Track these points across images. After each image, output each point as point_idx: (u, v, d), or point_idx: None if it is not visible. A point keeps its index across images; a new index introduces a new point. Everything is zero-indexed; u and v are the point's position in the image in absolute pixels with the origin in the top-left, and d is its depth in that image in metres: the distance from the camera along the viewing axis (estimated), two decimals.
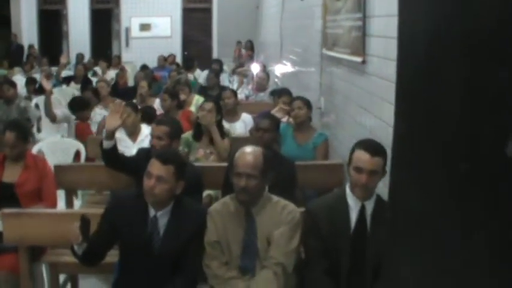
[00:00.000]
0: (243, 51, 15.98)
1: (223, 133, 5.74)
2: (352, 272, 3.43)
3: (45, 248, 4.55)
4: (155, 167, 3.43)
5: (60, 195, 5.17)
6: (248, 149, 3.59)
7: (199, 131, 5.71)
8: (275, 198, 3.60)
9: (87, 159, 6.45)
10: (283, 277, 3.43)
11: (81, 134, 7.11)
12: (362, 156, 3.37)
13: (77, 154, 6.66)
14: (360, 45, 5.02)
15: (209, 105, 5.71)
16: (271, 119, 4.98)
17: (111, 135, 4.64)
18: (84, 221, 3.39)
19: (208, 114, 5.62)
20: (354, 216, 3.45)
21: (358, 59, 5.03)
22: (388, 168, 3.34)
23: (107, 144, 4.65)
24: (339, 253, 3.43)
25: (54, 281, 4.59)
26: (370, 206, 3.45)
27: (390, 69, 4.05)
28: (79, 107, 7.19)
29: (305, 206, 3.76)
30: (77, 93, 10.37)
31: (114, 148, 4.71)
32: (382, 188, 3.58)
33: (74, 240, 3.43)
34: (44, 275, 4.73)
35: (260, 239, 3.50)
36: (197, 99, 8.09)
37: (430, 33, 1.14)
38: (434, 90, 1.12)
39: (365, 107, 4.95)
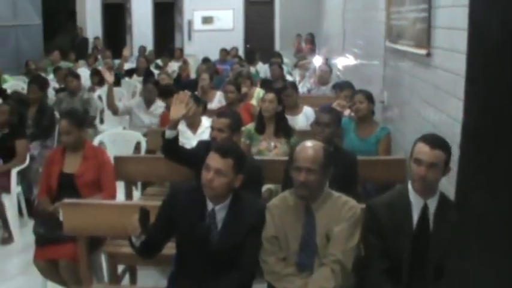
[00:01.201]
0: (303, 44, 15.87)
1: (285, 124, 5.71)
2: (413, 271, 3.34)
3: (105, 239, 4.61)
4: (214, 160, 3.40)
5: (120, 186, 5.21)
6: (308, 143, 3.52)
7: (262, 124, 5.69)
8: (335, 193, 3.52)
9: (148, 151, 6.50)
10: (342, 275, 3.35)
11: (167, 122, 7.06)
12: (422, 148, 3.29)
13: (138, 146, 6.73)
14: (424, 37, 4.90)
15: (270, 95, 5.70)
16: (332, 113, 4.90)
17: (174, 124, 4.65)
18: (143, 212, 3.39)
19: (270, 104, 5.61)
20: (416, 214, 3.36)
21: (423, 52, 4.91)
22: (455, 166, 3.23)
23: (169, 133, 4.66)
24: (399, 252, 3.34)
25: (112, 271, 4.66)
26: (433, 204, 3.34)
27: (457, 62, 3.93)
28: (164, 94, 7.19)
29: (366, 201, 3.68)
30: (139, 85, 10.49)
31: (176, 139, 4.71)
32: (447, 185, 3.47)
33: (133, 232, 3.43)
34: (103, 265, 4.80)
35: (319, 235, 3.43)
36: (258, 92, 8.06)
37: (506, 23, 1.06)
38: (509, 85, 1.04)
39: (429, 101, 4.83)
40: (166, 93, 7.08)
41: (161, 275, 5.12)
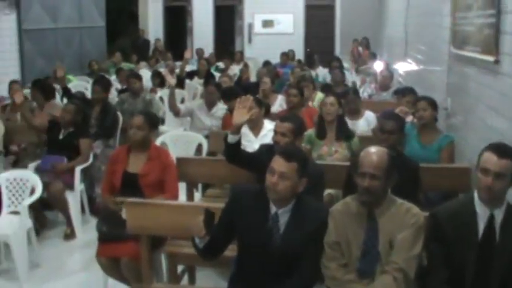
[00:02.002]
0: (360, 49, 15.75)
1: (346, 128, 5.68)
2: (477, 282, 3.28)
3: (165, 238, 4.66)
4: (279, 164, 3.40)
5: (181, 187, 5.26)
6: (373, 148, 3.48)
7: (323, 129, 5.67)
8: (399, 200, 3.48)
9: (209, 153, 6.55)
10: (404, 283, 3.29)
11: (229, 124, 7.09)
12: (489, 158, 3.22)
13: (199, 147, 6.79)
14: (492, 44, 4.80)
15: (331, 99, 5.69)
16: (397, 120, 4.84)
17: (237, 129, 4.65)
18: (208, 214, 3.42)
19: (331, 108, 5.59)
20: (481, 224, 3.30)
21: (491, 58, 4.81)
22: None
23: (231, 138, 4.67)
24: (463, 262, 3.29)
25: (172, 270, 4.71)
26: (499, 214, 3.28)
27: None
28: (228, 97, 7.25)
29: (427, 209, 3.62)
30: (200, 88, 10.58)
31: (238, 143, 4.72)
32: None
33: (197, 233, 3.47)
34: (163, 264, 4.85)
35: (381, 242, 3.38)
36: (319, 96, 8.02)
37: None
38: None
39: (497, 109, 4.73)
40: (229, 95, 7.11)
41: (219, 276, 5.16)
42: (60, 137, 6.62)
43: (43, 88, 8.09)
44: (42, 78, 9.35)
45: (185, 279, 4.96)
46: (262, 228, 3.45)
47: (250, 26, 18.63)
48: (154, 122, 5.15)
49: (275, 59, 13.81)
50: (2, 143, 7.07)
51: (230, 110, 6.96)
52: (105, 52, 15.90)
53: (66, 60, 13.67)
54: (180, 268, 4.86)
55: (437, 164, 5.35)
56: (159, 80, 10.89)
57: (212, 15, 18.87)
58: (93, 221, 6.51)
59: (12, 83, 8.86)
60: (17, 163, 7.25)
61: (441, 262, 3.33)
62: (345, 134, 5.65)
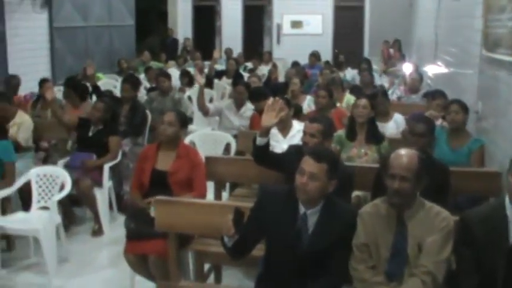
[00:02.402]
0: (391, 50, 15.65)
1: (376, 131, 5.67)
2: (507, 287, 3.23)
3: (193, 237, 4.68)
4: (308, 164, 3.40)
5: (209, 186, 5.27)
6: (403, 151, 3.47)
7: (353, 130, 5.66)
8: (428, 203, 3.46)
9: (237, 152, 6.57)
10: (433, 287, 3.28)
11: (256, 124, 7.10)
12: None
13: (227, 147, 6.81)
14: None
15: (363, 101, 5.68)
16: (427, 123, 4.80)
17: (265, 132, 4.65)
18: (238, 213, 3.43)
19: (363, 110, 5.59)
20: None
21: None
22: None
23: (260, 140, 4.66)
24: (493, 267, 3.25)
25: (199, 269, 4.74)
26: None
27: None
28: (256, 97, 7.26)
29: (457, 213, 3.59)
30: (229, 87, 10.61)
31: (267, 145, 4.72)
32: None
33: (226, 232, 3.48)
34: (190, 262, 4.87)
35: (410, 245, 3.37)
36: (348, 98, 8.00)
37: None
38: None
39: None
40: (257, 96, 7.11)
41: (245, 275, 5.19)
42: (90, 134, 6.69)
43: (77, 88, 8.17)
44: (74, 78, 9.45)
45: (211, 278, 4.98)
46: (290, 229, 3.45)
47: (279, 26, 18.61)
48: (184, 120, 5.18)
49: (303, 60, 13.78)
50: (32, 139, 7.14)
51: (258, 111, 6.98)
52: (134, 51, 16.01)
53: (95, 58, 13.79)
54: (206, 267, 4.88)
55: (467, 168, 5.30)
56: (187, 79, 10.94)
57: (241, 15, 18.89)
58: (120, 218, 6.57)
59: (43, 80, 8.95)
60: (47, 159, 7.34)
61: (471, 267, 3.30)
62: (375, 137, 5.63)
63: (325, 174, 3.40)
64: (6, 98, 7.20)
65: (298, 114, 6.58)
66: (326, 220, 3.44)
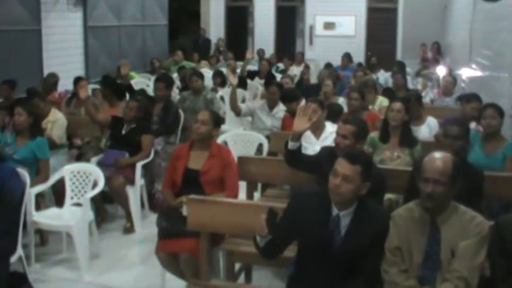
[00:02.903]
0: (429, 53, 15.51)
1: (410, 135, 5.63)
2: None
3: (224, 236, 4.69)
4: (342, 166, 3.40)
5: (241, 186, 5.28)
6: (437, 154, 3.44)
7: (387, 133, 5.64)
8: (462, 208, 3.42)
9: (269, 153, 6.57)
10: None
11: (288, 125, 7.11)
12: None
13: (260, 147, 6.81)
14: None
15: (398, 105, 5.65)
16: (461, 126, 4.77)
17: (297, 137, 4.65)
18: (272, 214, 3.44)
19: (398, 114, 5.56)
20: None
21: None
22: None
23: (292, 145, 4.68)
24: None
25: (229, 268, 4.75)
26: None
27: None
28: (289, 99, 7.27)
29: (491, 219, 3.55)
30: (261, 88, 10.62)
31: (299, 149, 4.72)
32: None
33: (260, 232, 3.49)
34: (221, 261, 4.88)
35: (443, 250, 3.34)
36: (381, 100, 7.96)
37: None
38: None
39: None
40: (290, 97, 7.12)
41: (275, 276, 5.19)
42: (123, 132, 6.75)
43: (114, 87, 8.26)
44: (111, 77, 9.55)
45: (242, 278, 5.00)
46: (323, 230, 3.44)
47: (312, 27, 18.57)
48: (218, 119, 5.19)
49: (335, 62, 13.74)
50: (65, 136, 7.23)
51: (290, 112, 6.98)
52: (167, 50, 16.12)
53: (128, 57, 13.95)
54: (237, 266, 4.89)
55: (501, 173, 5.24)
56: (220, 79, 10.98)
57: (274, 16, 18.89)
58: (152, 216, 6.63)
59: (78, 79, 9.05)
60: (80, 156, 7.41)
61: (506, 274, 3.26)
62: (408, 140, 5.60)
63: (358, 176, 3.39)
64: (40, 96, 7.31)
65: (339, 114, 6.55)
66: (359, 222, 3.43)
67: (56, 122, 7.05)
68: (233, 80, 7.67)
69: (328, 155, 4.60)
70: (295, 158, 4.79)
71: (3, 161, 4.89)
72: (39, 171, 5.85)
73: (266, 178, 5.67)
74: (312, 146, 5.62)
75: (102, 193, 6.00)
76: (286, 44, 18.49)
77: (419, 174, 3.44)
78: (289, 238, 3.64)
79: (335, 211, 3.45)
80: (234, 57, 15.07)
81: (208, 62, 14.94)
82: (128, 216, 6.50)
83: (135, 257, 6.02)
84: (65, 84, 10.32)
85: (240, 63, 13.35)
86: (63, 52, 11.86)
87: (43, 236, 6.05)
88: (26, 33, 10.83)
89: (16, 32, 10.51)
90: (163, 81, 8.07)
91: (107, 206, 6.75)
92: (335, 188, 3.37)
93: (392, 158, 5.53)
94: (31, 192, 5.34)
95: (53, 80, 9.53)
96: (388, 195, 4.94)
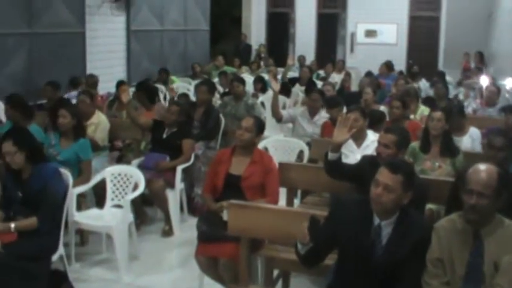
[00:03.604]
0: (472, 63, 15.33)
1: (451, 144, 5.57)
2: None
3: (263, 242, 4.69)
4: (383, 175, 3.37)
5: (281, 192, 5.26)
6: (482, 166, 3.37)
7: (428, 142, 5.58)
8: (508, 221, 3.35)
9: (310, 160, 6.56)
10: None
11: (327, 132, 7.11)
12: None
13: (300, 154, 6.80)
14: None
15: (438, 114, 5.59)
16: (505, 137, 4.70)
17: (337, 148, 4.64)
18: (314, 221, 3.44)
19: (438, 123, 5.50)
20: None
21: None
22: None
23: (332, 156, 4.67)
24: None
25: (268, 274, 4.75)
26: None
27: None
28: (330, 105, 7.26)
29: None
30: (301, 95, 10.61)
31: (339, 159, 4.71)
32: None
33: (301, 240, 3.49)
34: (259, 267, 4.88)
35: (487, 263, 3.27)
36: (422, 109, 7.89)
37: None
38: None
39: None
40: (332, 104, 7.11)
41: (313, 283, 5.19)
42: (164, 136, 6.80)
43: (147, 91, 8.34)
44: (145, 82, 9.65)
45: (279, 284, 4.99)
46: (364, 239, 3.42)
47: (353, 35, 18.51)
48: (262, 126, 5.20)
49: (376, 69, 13.68)
50: (108, 138, 7.31)
51: (331, 119, 6.95)
52: (208, 55, 16.22)
53: (170, 61, 14.09)
54: (275, 273, 4.88)
55: None
56: (261, 85, 11.00)
57: (315, 23, 18.88)
58: (190, 220, 6.66)
59: (120, 82, 9.18)
60: (121, 159, 7.50)
61: None
62: (450, 150, 5.53)
63: (400, 186, 3.36)
64: (88, 94, 7.43)
65: (381, 122, 6.51)
66: (400, 232, 3.40)
67: (99, 124, 7.14)
68: (275, 86, 7.66)
69: (369, 164, 4.57)
70: (335, 168, 4.77)
71: (47, 162, 5.00)
72: (82, 172, 5.93)
73: (306, 185, 5.65)
74: (353, 154, 5.59)
75: (141, 196, 6.03)
76: (327, 51, 18.43)
77: (462, 185, 3.38)
78: (330, 246, 3.62)
79: (376, 220, 3.43)
80: (275, 63, 15.09)
81: (249, 68, 15.00)
82: (167, 219, 6.54)
83: (174, 260, 6.07)
84: (107, 87, 10.49)
85: (280, 70, 13.35)
86: (106, 55, 12.04)
87: (83, 236, 6.13)
88: (71, 36, 11.03)
89: (61, 34, 10.71)
90: (206, 85, 8.13)
91: (146, 209, 6.80)
92: (376, 197, 3.35)
93: (433, 168, 5.47)
94: (73, 193, 5.40)
95: (91, 80, 9.67)
96: (429, 206, 4.89)
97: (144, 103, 8.16)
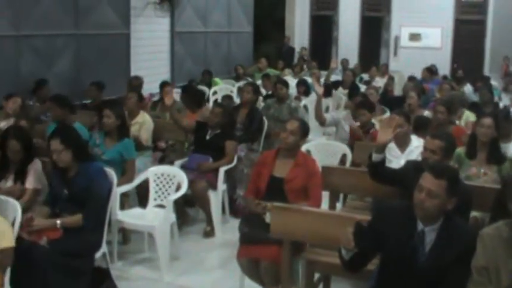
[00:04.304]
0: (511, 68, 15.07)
1: (498, 152, 5.48)
2: None
3: (304, 245, 4.68)
4: (427, 181, 3.34)
5: (323, 196, 5.25)
6: None
7: (474, 149, 5.50)
8: None
9: (353, 163, 6.53)
10: None
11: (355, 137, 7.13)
12: None
13: (343, 158, 6.77)
14: None
15: (488, 121, 5.50)
16: None
17: (381, 148, 4.63)
18: (359, 227, 3.42)
19: (488, 130, 5.42)
20: None
21: None
22: None
23: (376, 157, 4.65)
24: None
25: (309, 278, 4.72)
26: None
27: None
28: (364, 107, 7.24)
29: None
30: (344, 98, 10.56)
31: (383, 162, 4.68)
32: None
33: (346, 245, 3.47)
34: (299, 271, 4.87)
35: None
36: (467, 115, 7.79)
37: None
38: None
39: None
40: (365, 107, 7.10)
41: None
42: (207, 137, 6.83)
43: (195, 95, 8.43)
44: (192, 85, 9.75)
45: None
46: (407, 245, 3.39)
47: (397, 38, 18.35)
48: (306, 129, 5.20)
49: (420, 74, 13.54)
50: (151, 138, 7.39)
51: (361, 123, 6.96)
52: (251, 57, 16.26)
53: (213, 63, 14.17)
54: (315, 276, 4.87)
55: None
56: (304, 88, 10.97)
57: (358, 26, 18.76)
58: (232, 222, 6.70)
59: (164, 84, 9.26)
60: (163, 159, 7.56)
61: None
62: (496, 157, 5.44)
63: (444, 191, 3.32)
64: (137, 93, 7.57)
65: (425, 127, 6.43)
66: (444, 238, 3.36)
67: (143, 123, 7.23)
68: (319, 89, 7.64)
69: (414, 169, 4.52)
70: (379, 170, 4.74)
71: (93, 160, 5.08)
72: (125, 172, 6.00)
73: (349, 189, 5.62)
74: (397, 159, 5.53)
75: (183, 196, 6.05)
76: (370, 55, 18.31)
77: (509, 193, 3.34)
78: (374, 252, 3.60)
79: (420, 226, 3.39)
80: (318, 66, 15.05)
81: (291, 71, 14.99)
82: (209, 220, 6.57)
83: (215, 260, 6.08)
84: (151, 88, 10.60)
85: (323, 73, 13.32)
86: (150, 56, 12.17)
87: (125, 234, 6.20)
88: (116, 37, 11.18)
89: (107, 35, 10.86)
90: (252, 85, 8.21)
91: (187, 210, 6.85)
92: (420, 203, 3.32)
93: (479, 175, 5.38)
94: (117, 192, 5.45)
95: (136, 82, 9.76)
96: (473, 213, 4.81)
97: (190, 106, 8.22)
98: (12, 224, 4.30)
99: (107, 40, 10.85)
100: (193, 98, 8.34)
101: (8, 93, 7.49)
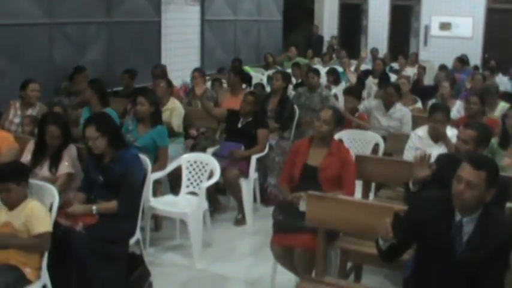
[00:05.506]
0: None
1: None
2: None
3: (337, 234, 4.69)
4: (466, 171, 3.31)
5: (356, 185, 5.24)
6: None
7: (507, 139, 5.45)
8: None
9: (385, 153, 6.52)
10: None
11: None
12: None
13: (375, 147, 6.76)
14: None
15: None
16: None
17: (418, 185, 4.53)
18: (397, 217, 3.42)
19: None
20: None
21: None
22: None
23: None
24: None
25: (342, 266, 4.75)
26: None
27: None
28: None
29: None
30: (375, 87, 10.51)
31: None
32: None
33: (384, 236, 3.47)
34: (332, 259, 4.88)
35: None
36: (502, 106, 7.70)
37: None
38: None
39: None
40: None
41: (385, 278, 5.17)
42: (239, 125, 6.86)
43: (245, 76, 8.71)
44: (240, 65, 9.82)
45: (351, 277, 4.99)
46: (444, 236, 3.38)
47: (427, 27, 18.15)
48: (340, 118, 5.21)
49: (450, 64, 13.40)
50: (183, 125, 7.43)
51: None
52: (281, 45, 16.24)
53: (243, 51, 14.17)
54: (347, 265, 4.88)
55: None
56: (334, 77, 10.93)
57: (388, 15, 18.59)
58: (263, 210, 6.74)
59: (195, 71, 9.27)
60: (195, 147, 7.60)
61: None
62: None
63: (483, 182, 3.29)
64: (166, 79, 7.65)
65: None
66: (482, 230, 3.34)
67: (174, 109, 7.28)
68: (352, 77, 7.61)
69: (447, 161, 4.48)
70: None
71: (128, 147, 5.13)
72: (158, 159, 6.03)
73: (382, 178, 5.60)
74: (430, 149, 5.49)
75: (215, 184, 6.11)
76: (400, 44, 18.14)
77: None
78: (409, 241, 3.59)
79: (458, 217, 3.37)
80: (347, 55, 14.99)
81: (321, 59, 14.95)
82: (240, 208, 6.61)
83: (246, 248, 6.13)
84: (181, 76, 10.65)
85: (352, 62, 13.25)
86: (181, 44, 12.20)
87: (157, 221, 6.27)
88: (147, 25, 11.21)
89: (138, 23, 10.90)
90: (282, 73, 8.28)
91: (219, 197, 6.88)
92: (458, 194, 3.29)
93: None
94: (150, 179, 5.49)
95: (158, 71, 9.71)
96: (508, 204, 4.78)
97: (235, 87, 8.27)
98: (50, 209, 4.36)
99: (138, 28, 10.89)
100: (243, 77, 8.44)
101: (25, 80, 7.30)
